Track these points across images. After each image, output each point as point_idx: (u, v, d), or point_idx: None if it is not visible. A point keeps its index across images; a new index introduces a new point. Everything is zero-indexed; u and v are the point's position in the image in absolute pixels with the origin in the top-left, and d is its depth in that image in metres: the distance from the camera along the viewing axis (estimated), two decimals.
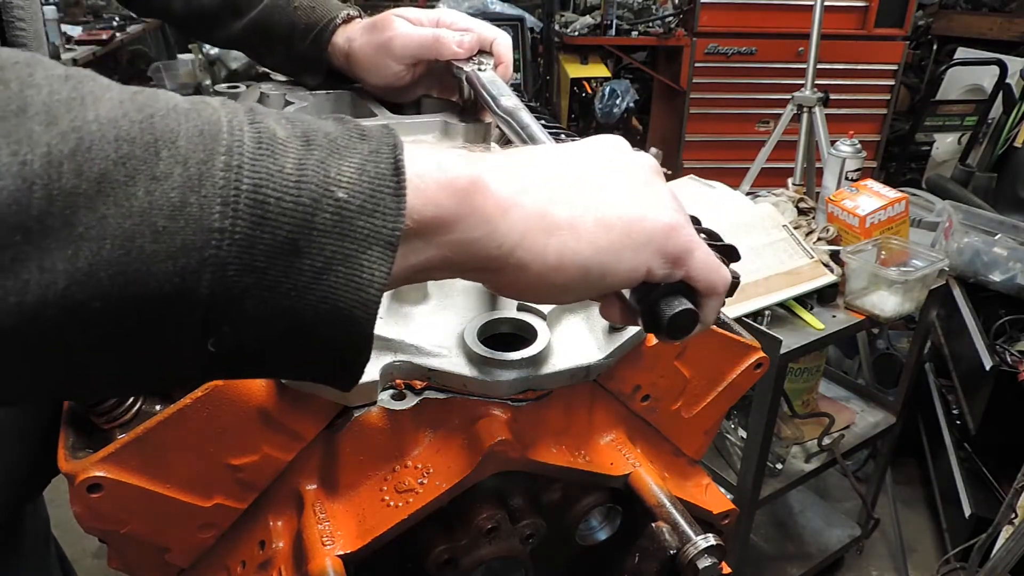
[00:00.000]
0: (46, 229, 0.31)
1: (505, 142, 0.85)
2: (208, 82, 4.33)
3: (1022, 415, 2.12)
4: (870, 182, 2.06)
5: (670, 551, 0.69)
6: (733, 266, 0.77)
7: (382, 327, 0.72)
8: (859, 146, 2.36)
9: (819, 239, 1.95)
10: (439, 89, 1.02)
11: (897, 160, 4.12)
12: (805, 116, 2.89)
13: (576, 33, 3.97)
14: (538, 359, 0.70)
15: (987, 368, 2.14)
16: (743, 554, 2.16)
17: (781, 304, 1.81)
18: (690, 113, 3.99)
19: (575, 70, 4.00)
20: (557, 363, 0.71)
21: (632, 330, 0.71)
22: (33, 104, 0.32)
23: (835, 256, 1.88)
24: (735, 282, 0.77)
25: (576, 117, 3.98)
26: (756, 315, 1.77)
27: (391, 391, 0.70)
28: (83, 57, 3.79)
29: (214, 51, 4.35)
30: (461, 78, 0.90)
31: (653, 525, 0.72)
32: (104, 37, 4.07)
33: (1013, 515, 1.87)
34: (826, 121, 2.86)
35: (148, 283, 0.33)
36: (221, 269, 0.35)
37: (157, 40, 4.97)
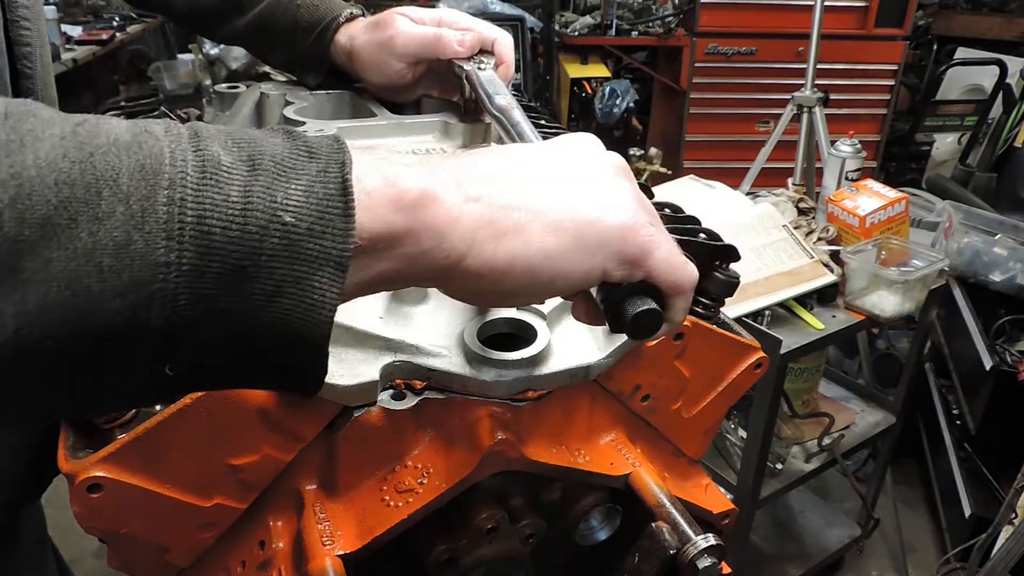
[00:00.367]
0: None
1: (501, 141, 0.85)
2: (208, 82, 4.33)
3: (1022, 415, 2.12)
4: (870, 182, 2.06)
5: (670, 551, 0.69)
6: (733, 266, 0.78)
7: (382, 327, 0.72)
8: (859, 146, 2.36)
9: (819, 239, 1.95)
10: (440, 89, 1.02)
11: (897, 160, 4.12)
12: (805, 116, 2.89)
13: (576, 33, 3.97)
14: (538, 359, 0.70)
15: (987, 368, 2.14)
16: (743, 554, 2.16)
17: (781, 304, 1.81)
18: (690, 113, 3.99)
19: (575, 70, 4.00)
20: (557, 363, 0.71)
21: None
22: None
23: (835, 256, 1.88)
24: (735, 282, 0.77)
25: (576, 117, 3.98)
26: (756, 315, 1.77)
27: (391, 391, 0.70)
28: (83, 57, 3.78)
29: (214, 51, 4.35)
30: (462, 77, 0.90)
31: (653, 525, 0.72)
32: (104, 37, 4.07)
33: (1013, 515, 1.87)
34: (826, 121, 2.86)
35: (98, 320, 0.33)
36: (171, 300, 0.35)
37: (157, 40, 4.97)
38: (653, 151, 3.96)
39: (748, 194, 2.14)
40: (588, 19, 4.01)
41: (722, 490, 0.90)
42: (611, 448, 0.80)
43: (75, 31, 4.12)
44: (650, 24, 3.96)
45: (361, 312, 0.77)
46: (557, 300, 0.76)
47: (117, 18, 4.50)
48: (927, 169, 4.00)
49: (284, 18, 0.98)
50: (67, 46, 3.86)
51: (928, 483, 2.73)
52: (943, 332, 2.58)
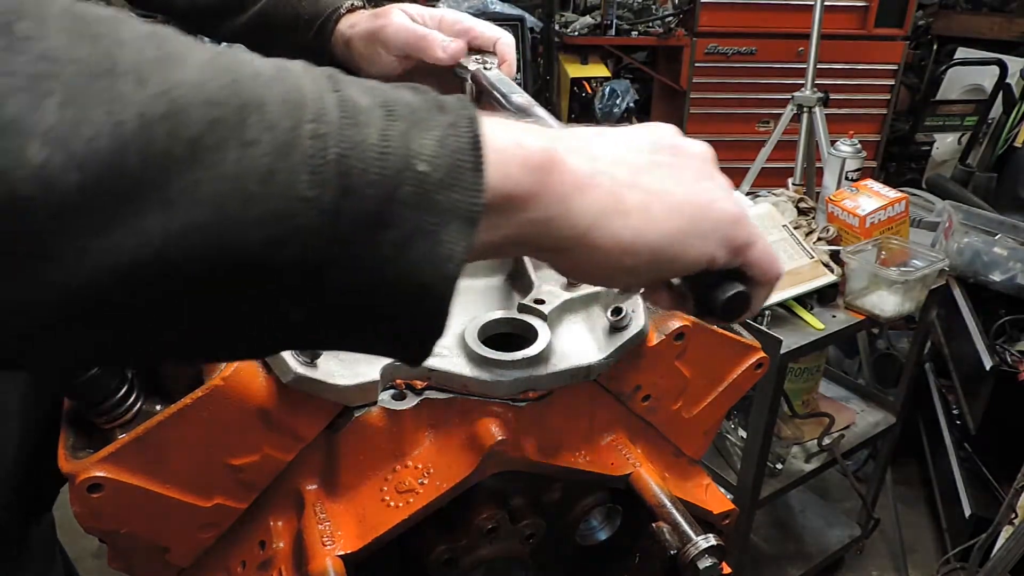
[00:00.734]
0: (141, 191, 0.31)
1: None
2: None
3: (1022, 415, 2.12)
4: (870, 182, 2.06)
5: (670, 551, 0.69)
6: None
7: None
8: (859, 146, 2.36)
9: (819, 239, 1.95)
10: (438, 89, 1.02)
11: (897, 160, 4.11)
12: (805, 116, 2.89)
13: (576, 33, 3.97)
14: (538, 359, 0.70)
15: (987, 368, 2.14)
16: (743, 554, 2.16)
17: (781, 304, 1.81)
18: (690, 113, 3.99)
19: (575, 70, 4.00)
20: (557, 363, 0.71)
21: (632, 330, 0.71)
22: (122, 63, 0.31)
23: (835, 256, 1.88)
24: None
25: (576, 117, 3.97)
26: (756, 315, 1.77)
27: (391, 391, 0.70)
28: None
29: None
30: (465, 78, 0.90)
31: (654, 525, 0.72)
32: None
33: (1013, 515, 1.87)
34: (826, 121, 2.85)
35: (236, 250, 0.33)
36: (306, 239, 0.34)
37: None
38: None
39: (748, 194, 2.14)
40: (588, 19, 4.01)
41: (722, 490, 0.90)
42: (611, 448, 0.80)
43: None
44: (650, 24, 3.96)
45: None
46: (557, 300, 0.76)
47: None
48: (927, 169, 4.00)
49: (286, 12, 0.97)
50: None
51: (928, 483, 2.73)
52: (943, 332, 2.58)
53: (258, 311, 0.36)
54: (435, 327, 0.40)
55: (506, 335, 0.76)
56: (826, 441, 2.02)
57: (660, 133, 0.51)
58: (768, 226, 1.87)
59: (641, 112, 4.25)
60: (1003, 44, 3.99)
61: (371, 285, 0.37)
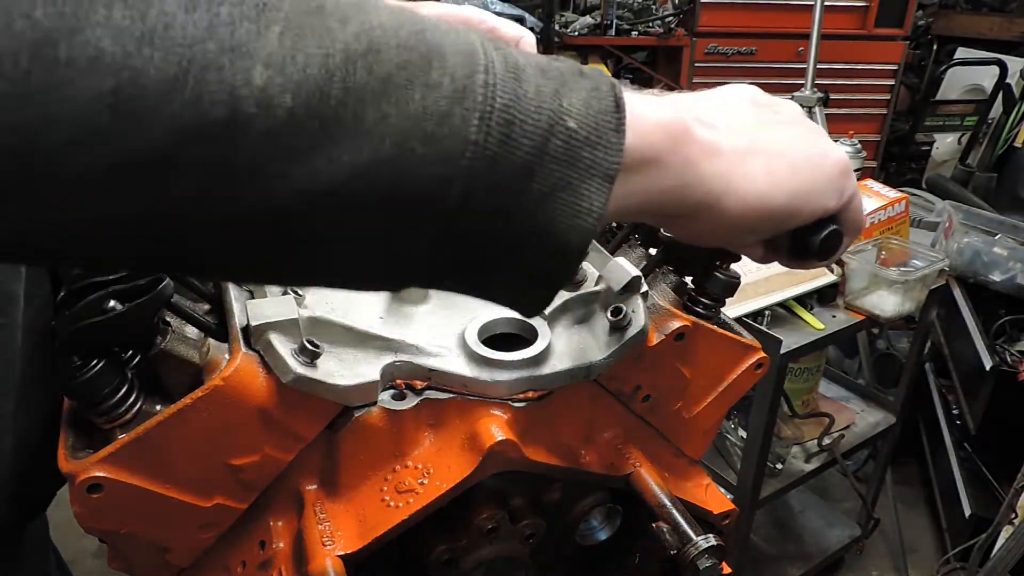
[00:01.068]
0: (339, 120, 0.34)
1: None
2: None
3: (1022, 415, 2.12)
4: (870, 182, 2.06)
5: (670, 551, 0.69)
6: (733, 266, 0.78)
7: (382, 327, 0.72)
8: (859, 146, 2.36)
9: None
10: None
11: (897, 160, 4.12)
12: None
13: (576, 33, 3.97)
14: (538, 359, 0.70)
15: (987, 368, 2.14)
16: (743, 554, 2.16)
17: (781, 304, 1.81)
18: None
19: None
20: (557, 363, 0.71)
21: (632, 330, 0.71)
22: (328, 4, 0.35)
23: None
24: (735, 282, 0.77)
25: None
26: (756, 315, 1.77)
27: (391, 391, 0.70)
28: None
29: None
30: None
31: (654, 525, 0.72)
32: None
33: (1013, 515, 1.87)
34: (826, 121, 2.86)
35: (413, 184, 0.36)
36: (470, 181, 0.37)
37: None
38: None
39: None
40: (588, 19, 4.01)
41: (722, 490, 0.90)
42: (611, 448, 0.80)
43: None
44: (650, 24, 3.96)
45: (361, 312, 0.77)
46: (558, 300, 0.76)
47: None
48: (927, 169, 4.00)
49: None
50: None
51: (928, 483, 2.73)
52: (943, 332, 2.58)
53: (417, 246, 0.39)
54: (563, 279, 0.43)
55: (506, 335, 0.76)
56: (826, 441, 2.02)
57: (751, 93, 0.53)
58: None
59: None
60: (1003, 44, 3.99)
61: (514, 232, 0.39)
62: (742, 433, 1.99)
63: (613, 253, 0.83)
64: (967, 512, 2.26)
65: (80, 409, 0.62)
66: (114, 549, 0.68)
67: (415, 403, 0.69)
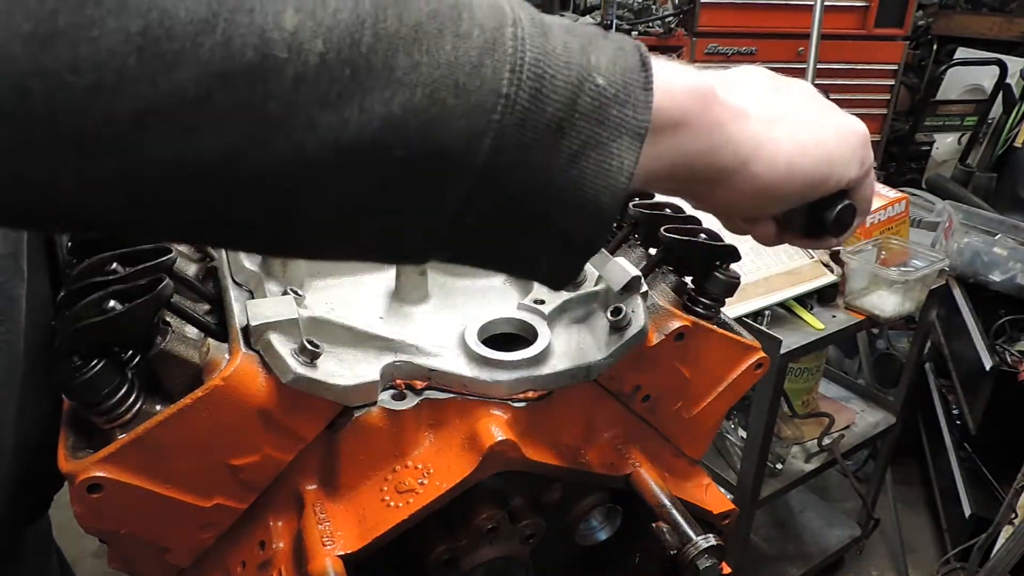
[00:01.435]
0: (371, 67, 0.33)
1: None
2: None
3: (1022, 415, 2.12)
4: None
5: (670, 551, 0.69)
6: (733, 266, 0.78)
7: (382, 327, 0.72)
8: None
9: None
10: None
11: (897, 160, 4.11)
12: None
13: None
14: (538, 359, 0.70)
15: (987, 368, 2.14)
16: (743, 554, 2.15)
17: (781, 304, 1.81)
18: None
19: None
20: (557, 363, 0.71)
21: (632, 330, 0.71)
22: None
23: (835, 256, 1.88)
24: (735, 282, 0.77)
25: None
26: (756, 315, 1.77)
27: (391, 391, 0.70)
28: None
29: None
30: None
31: (653, 525, 0.72)
32: None
33: (1013, 515, 1.87)
34: None
35: (443, 137, 0.35)
36: (500, 137, 0.36)
37: None
38: None
39: None
40: (588, 19, 4.01)
41: (722, 490, 0.90)
42: (611, 448, 0.80)
43: None
44: (650, 24, 3.96)
45: (361, 312, 0.77)
46: (557, 300, 0.76)
47: None
48: (927, 169, 3.99)
49: None
50: None
51: (928, 483, 2.73)
52: (943, 332, 2.58)
53: (444, 205, 0.37)
54: (594, 243, 0.42)
55: (506, 335, 0.76)
56: (826, 441, 2.02)
57: (767, 72, 0.53)
58: None
59: None
60: (1003, 44, 3.99)
61: (543, 191, 0.38)
62: (742, 433, 1.99)
63: (613, 253, 0.83)
64: (967, 512, 2.26)
65: (80, 409, 0.62)
66: (114, 549, 0.68)
67: (415, 403, 0.69)
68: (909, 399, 2.23)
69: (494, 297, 0.82)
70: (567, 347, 0.73)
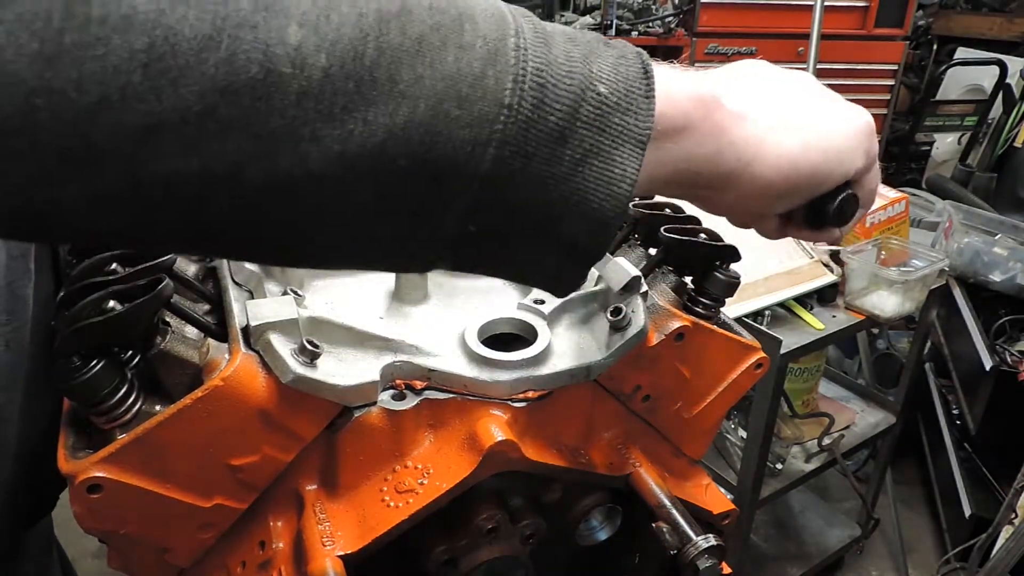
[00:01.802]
0: (374, 80, 0.33)
1: None
2: None
3: (1022, 415, 2.12)
4: None
5: (670, 551, 0.69)
6: (733, 266, 0.78)
7: (382, 327, 0.72)
8: None
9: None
10: None
11: (897, 160, 4.11)
12: None
13: None
14: (538, 359, 0.70)
15: (987, 368, 2.14)
16: (743, 554, 2.15)
17: (781, 304, 1.81)
18: None
19: None
20: (557, 363, 0.71)
21: (632, 330, 0.71)
22: None
23: (835, 256, 1.88)
24: (735, 282, 0.77)
25: None
26: (756, 315, 1.77)
27: (391, 391, 0.70)
28: None
29: None
30: None
31: (653, 525, 0.72)
32: None
33: (1013, 515, 1.87)
34: None
35: (447, 148, 0.35)
36: (502, 146, 0.36)
37: None
38: None
39: None
40: (588, 19, 4.01)
41: (722, 490, 0.90)
42: (611, 448, 0.80)
43: None
44: (650, 24, 3.96)
45: (361, 312, 0.77)
46: (557, 301, 0.76)
47: None
48: (927, 169, 3.99)
49: None
50: None
51: (928, 483, 2.73)
52: (943, 332, 2.58)
53: (445, 215, 0.38)
54: (598, 250, 0.42)
55: (506, 335, 0.76)
56: (826, 441, 2.02)
57: (762, 68, 0.53)
58: None
59: None
60: (1003, 44, 3.99)
61: (545, 201, 0.39)
62: (742, 433, 1.99)
63: (613, 253, 0.83)
64: (967, 512, 2.26)
65: (80, 409, 0.62)
66: (114, 549, 0.68)
67: (415, 403, 0.69)
68: (909, 399, 2.23)
69: (494, 297, 0.82)
70: (567, 347, 0.73)
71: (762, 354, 0.83)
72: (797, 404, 2.05)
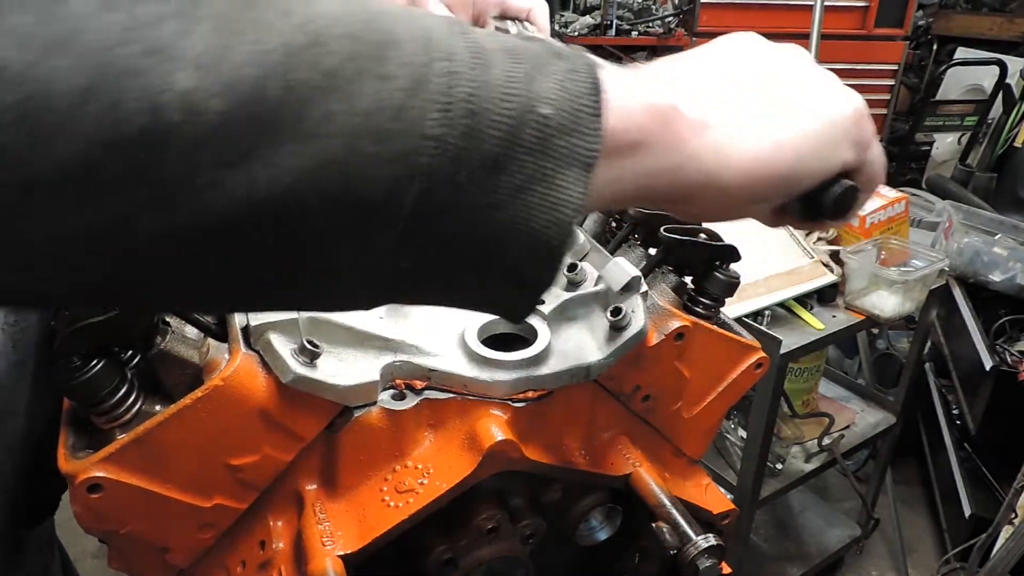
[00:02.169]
0: (279, 122, 0.31)
1: None
2: None
3: (1022, 415, 2.12)
4: None
5: (670, 551, 0.69)
6: (733, 266, 0.78)
7: (382, 327, 0.72)
8: None
9: (819, 239, 1.95)
10: None
11: (897, 160, 4.11)
12: None
13: (576, 33, 3.96)
14: (538, 359, 0.70)
15: (987, 368, 2.14)
16: (743, 554, 2.16)
17: (781, 304, 1.81)
18: None
19: None
20: (557, 363, 0.71)
21: (632, 330, 0.71)
22: None
23: (835, 256, 1.88)
24: (735, 282, 0.77)
25: None
26: (756, 315, 1.77)
27: (391, 391, 0.70)
28: None
29: None
30: None
31: (653, 525, 0.72)
32: None
33: (1013, 515, 1.87)
34: None
35: (363, 188, 0.33)
36: (430, 179, 0.34)
37: None
38: None
39: None
40: (588, 19, 4.01)
41: (722, 490, 0.90)
42: (611, 448, 0.80)
43: None
44: (650, 24, 3.96)
45: (361, 312, 0.77)
46: (557, 300, 0.76)
47: None
48: (927, 169, 3.99)
49: None
50: None
51: (928, 483, 2.73)
52: (943, 332, 2.58)
53: (372, 255, 0.36)
54: (544, 277, 0.40)
55: (506, 335, 0.76)
56: (826, 441, 2.02)
57: (744, 48, 0.48)
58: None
59: None
60: (1003, 44, 3.99)
61: (484, 231, 0.36)
62: (742, 433, 1.99)
63: (613, 253, 0.83)
64: (967, 512, 2.26)
65: (80, 409, 0.62)
66: (114, 549, 0.68)
67: (415, 403, 0.69)
68: (909, 399, 2.23)
69: None
70: (567, 347, 0.73)
71: (762, 354, 0.83)
72: (797, 404, 2.05)
